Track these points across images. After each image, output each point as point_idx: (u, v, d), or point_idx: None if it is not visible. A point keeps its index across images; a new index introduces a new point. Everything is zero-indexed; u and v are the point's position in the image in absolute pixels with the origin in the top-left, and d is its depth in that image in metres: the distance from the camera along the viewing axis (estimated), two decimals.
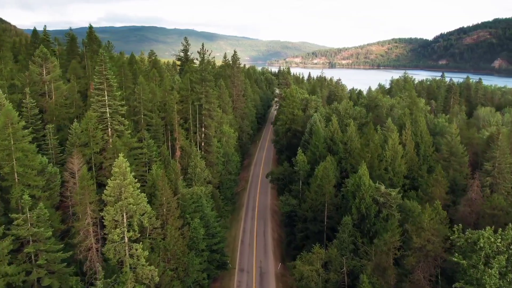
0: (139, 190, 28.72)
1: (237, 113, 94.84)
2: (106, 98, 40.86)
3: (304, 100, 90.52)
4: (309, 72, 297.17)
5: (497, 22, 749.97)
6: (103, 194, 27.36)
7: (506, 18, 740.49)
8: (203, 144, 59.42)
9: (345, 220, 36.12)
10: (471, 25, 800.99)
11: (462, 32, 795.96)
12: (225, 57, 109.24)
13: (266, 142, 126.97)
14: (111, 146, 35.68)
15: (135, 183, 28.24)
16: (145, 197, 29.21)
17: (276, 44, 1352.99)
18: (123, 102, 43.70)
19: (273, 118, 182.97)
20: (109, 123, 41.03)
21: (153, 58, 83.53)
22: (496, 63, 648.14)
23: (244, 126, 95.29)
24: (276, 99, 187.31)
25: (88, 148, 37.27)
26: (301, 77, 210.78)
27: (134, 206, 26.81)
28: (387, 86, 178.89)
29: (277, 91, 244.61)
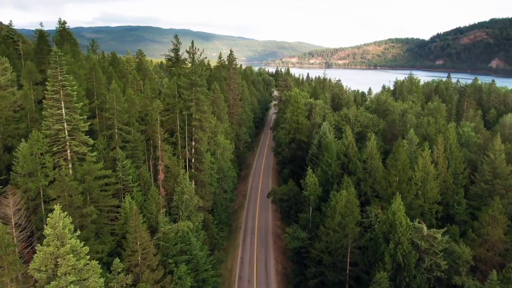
0: (89, 258, 18.85)
1: (233, 119, 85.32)
2: (63, 111, 31.32)
3: (308, 105, 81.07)
4: (308, 73, 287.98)
5: (493, 22, 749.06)
6: (29, 268, 17.67)
7: (502, 18, 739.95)
8: (193, 161, 49.76)
9: (379, 278, 26.85)
10: (467, 25, 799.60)
11: (458, 32, 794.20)
12: (220, 57, 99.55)
13: (265, 148, 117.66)
14: (58, 180, 25.88)
15: (82, 247, 18.42)
16: (98, 266, 19.43)
17: (272, 44, 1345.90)
18: (88, 115, 34.06)
19: (272, 121, 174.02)
20: (67, 144, 31.45)
21: (140, 58, 73.07)
22: (494, 63, 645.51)
23: (241, 134, 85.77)
24: (275, 102, 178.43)
25: (34, 179, 27.68)
26: (301, 78, 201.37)
27: (77, 286, 17.20)
28: (388, 87, 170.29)
29: (275, 92, 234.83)
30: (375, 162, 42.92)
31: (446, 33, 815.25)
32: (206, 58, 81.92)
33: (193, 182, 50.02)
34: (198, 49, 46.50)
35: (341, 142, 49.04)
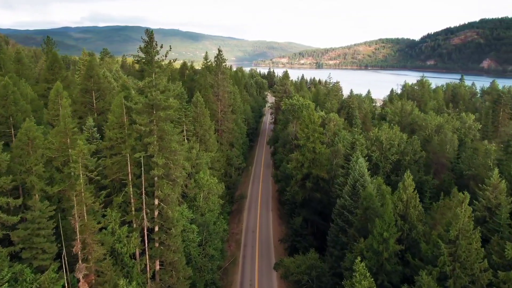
0: None
1: (223, 138, 66.08)
2: None
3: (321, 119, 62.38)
4: (302, 74, 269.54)
5: (483, 22, 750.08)
6: None
7: (492, 19, 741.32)
8: (156, 230, 30.32)
9: None
10: (458, 25, 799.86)
11: (449, 32, 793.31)
12: (206, 58, 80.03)
13: (261, 166, 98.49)
14: None
15: None
16: None
17: (262, 45, 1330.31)
18: None
19: (267, 129, 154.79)
20: None
21: (92, 59, 52.38)
22: (485, 64, 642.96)
23: (233, 157, 66.48)
24: (269, 104, 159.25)
25: None
26: (294, 80, 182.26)
27: None
28: (395, 91, 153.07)
29: (269, 96, 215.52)
30: (467, 241, 24.37)
31: (437, 33, 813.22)
32: (180, 60, 62.31)
33: (157, 264, 30.75)
34: (157, 44, 26.94)
35: (395, 198, 30.22)
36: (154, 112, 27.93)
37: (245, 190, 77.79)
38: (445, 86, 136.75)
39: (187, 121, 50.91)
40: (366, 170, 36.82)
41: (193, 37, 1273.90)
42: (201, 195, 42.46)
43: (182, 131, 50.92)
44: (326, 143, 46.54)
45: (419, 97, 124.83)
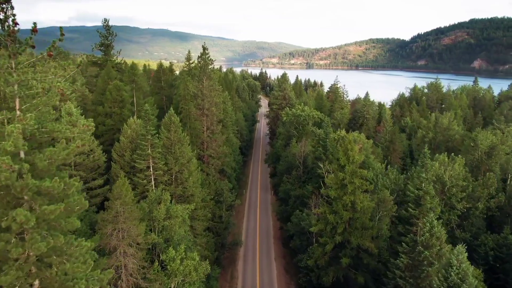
0: None
1: (210, 165, 48.94)
2: None
3: (339, 140, 45.88)
4: (297, 76, 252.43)
5: (473, 22, 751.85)
6: None
7: (482, 19, 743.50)
8: None
9: None
10: (448, 25, 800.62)
11: (439, 32, 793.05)
12: (188, 58, 62.67)
13: (258, 191, 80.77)
14: None
15: None
16: None
17: (252, 45, 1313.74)
18: None
19: (261, 137, 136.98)
20: None
21: None
22: (476, 64, 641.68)
23: (224, 191, 49.19)
24: (266, 111, 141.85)
25: None
26: (293, 82, 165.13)
27: None
28: (402, 93, 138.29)
29: (262, 100, 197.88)
30: None
31: (427, 34, 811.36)
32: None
33: None
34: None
35: None
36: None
37: (239, 229, 60.51)
38: (459, 90, 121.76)
39: (155, 154, 33.73)
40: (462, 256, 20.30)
41: (182, 37, 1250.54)
42: (172, 286, 25.34)
43: (148, 167, 33.78)
44: (369, 191, 30.16)
45: (433, 103, 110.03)
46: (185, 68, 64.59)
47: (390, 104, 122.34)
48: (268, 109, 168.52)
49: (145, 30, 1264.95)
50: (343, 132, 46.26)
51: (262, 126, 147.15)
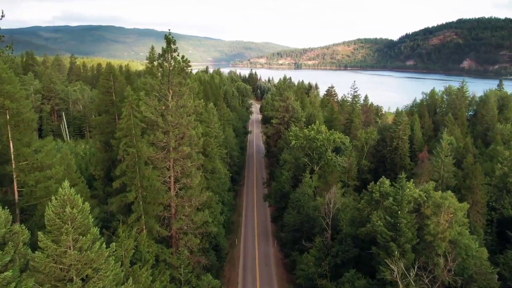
0: None
1: (180, 248, 28.36)
2: None
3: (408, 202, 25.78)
4: (290, 77, 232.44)
5: (461, 22, 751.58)
6: None
7: (470, 19, 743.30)
8: None
9: None
10: (436, 25, 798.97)
11: (428, 32, 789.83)
12: (150, 59, 41.48)
13: (255, 238, 57.81)
14: None
15: None
16: None
17: (239, 45, 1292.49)
18: None
19: (255, 152, 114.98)
20: None
21: None
22: (466, 64, 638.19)
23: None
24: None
25: None
26: (300, 87, 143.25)
27: None
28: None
29: (254, 106, 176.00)
30: None
31: (415, 33, 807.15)
32: None
33: None
34: None
35: None
36: None
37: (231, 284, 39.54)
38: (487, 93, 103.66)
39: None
40: None
41: None
42: None
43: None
44: None
45: (459, 111, 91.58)
46: (146, 67, 42.95)
47: (398, 110, 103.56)
48: (260, 115, 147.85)
49: (131, 30, 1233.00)
50: (431, 192, 26.18)
51: (255, 137, 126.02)
